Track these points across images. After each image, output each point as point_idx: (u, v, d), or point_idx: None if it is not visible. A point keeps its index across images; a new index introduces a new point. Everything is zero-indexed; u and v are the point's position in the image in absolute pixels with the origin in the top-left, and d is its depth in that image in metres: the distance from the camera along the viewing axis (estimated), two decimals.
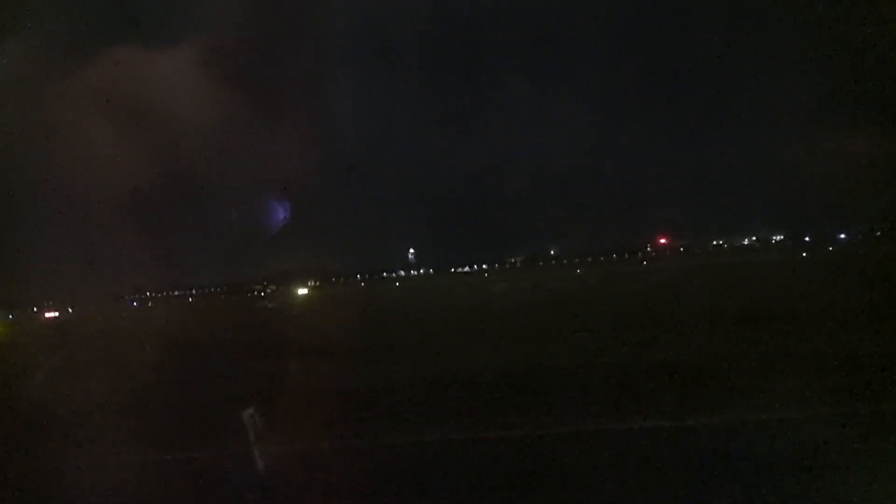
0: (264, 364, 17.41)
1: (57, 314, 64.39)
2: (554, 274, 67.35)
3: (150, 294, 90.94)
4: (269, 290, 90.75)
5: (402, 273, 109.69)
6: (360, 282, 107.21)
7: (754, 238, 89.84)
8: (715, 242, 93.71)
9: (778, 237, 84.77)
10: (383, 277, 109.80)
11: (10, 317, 72.42)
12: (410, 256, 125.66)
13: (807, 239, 73.87)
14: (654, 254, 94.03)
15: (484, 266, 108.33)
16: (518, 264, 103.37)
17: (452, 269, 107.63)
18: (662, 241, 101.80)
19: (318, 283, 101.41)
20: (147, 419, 11.55)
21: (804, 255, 56.12)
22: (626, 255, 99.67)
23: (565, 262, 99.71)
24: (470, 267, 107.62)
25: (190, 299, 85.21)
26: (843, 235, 72.87)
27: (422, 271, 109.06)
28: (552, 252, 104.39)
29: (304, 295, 77.33)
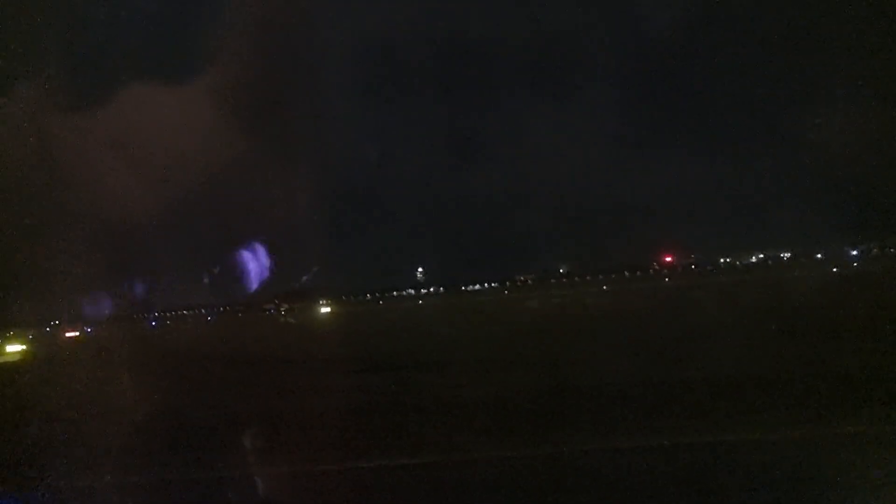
0: (373, 377, 17.43)
1: (77, 333, 64.17)
2: (578, 290, 67.86)
3: (160, 313, 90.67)
4: (284, 309, 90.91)
5: (412, 291, 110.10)
6: (378, 300, 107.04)
7: (762, 255, 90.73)
8: (723, 260, 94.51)
9: (785, 254, 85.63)
10: (393, 296, 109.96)
11: (30, 336, 72.04)
12: (419, 275, 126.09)
13: (819, 255, 74.70)
14: (664, 271, 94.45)
15: (493, 284, 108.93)
16: (528, 282, 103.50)
17: (463, 288, 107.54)
18: (668, 258, 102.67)
19: (328, 302, 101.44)
20: (312, 431, 11.51)
21: (826, 270, 56.92)
22: (638, 273, 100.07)
23: (576, 279, 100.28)
24: (480, 285, 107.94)
25: (209, 318, 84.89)
26: (854, 252, 73.92)
27: (431, 290, 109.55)
28: (561, 270, 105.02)
29: (328, 313, 77.14)
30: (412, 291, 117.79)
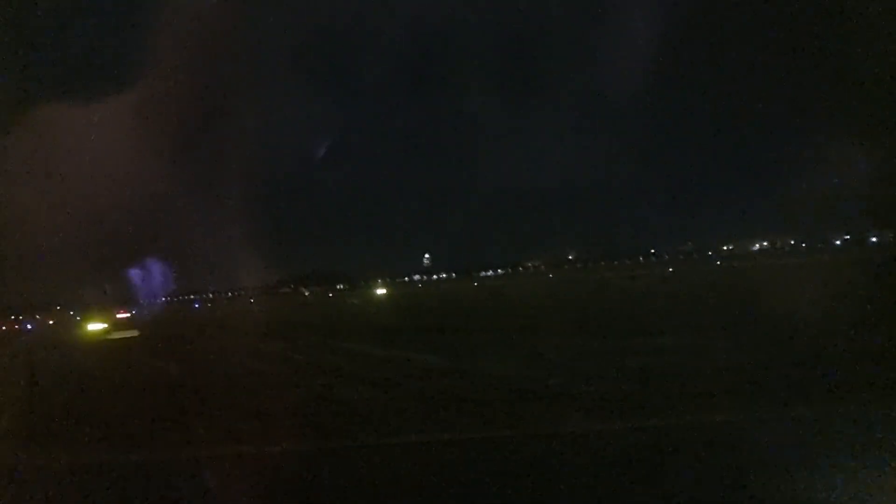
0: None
1: (128, 315, 67.09)
2: (599, 275, 70.81)
3: (199, 295, 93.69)
4: (308, 292, 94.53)
5: (424, 277, 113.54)
6: (416, 283, 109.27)
7: (765, 243, 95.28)
8: (725, 248, 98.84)
9: (789, 242, 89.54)
10: (404, 281, 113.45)
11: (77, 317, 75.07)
12: (426, 261, 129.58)
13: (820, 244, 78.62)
14: (666, 257, 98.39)
15: (500, 271, 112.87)
16: (541, 267, 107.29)
17: (476, 273, 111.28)
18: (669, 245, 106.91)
19: (347, 286, 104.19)
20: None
21: (830, 257, 59.54)
22: (643, 259, 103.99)
23: (579, 265, 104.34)
24: (490, 271, 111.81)
25: (252, 300, 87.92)
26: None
27: (444, 275, 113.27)
28: (570, 256, 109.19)
29: (385, 294, 79.29)
30: (418, 277, 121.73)
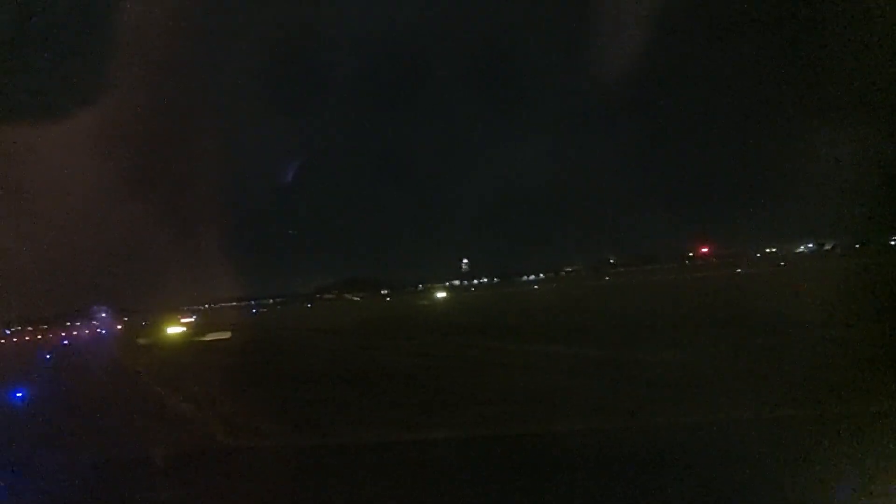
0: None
1: (192, 318, 69.39)
2: (647, 279, 71.27)
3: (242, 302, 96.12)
4: (356, 297, 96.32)
5: (465, 282, 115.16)
6: (467, 288, 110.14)
7: (811, 244, 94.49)
8: (768, 250, 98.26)
9: (829, 244, 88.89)
10: (445, 286, 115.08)
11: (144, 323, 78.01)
12: (464, 266, 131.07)
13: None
14: (703, 262, 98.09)
15: (541, 275, 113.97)
16: (581, 272, 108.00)
17: (516, 278, 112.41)
18: (704, 249, 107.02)
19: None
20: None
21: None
22: (683, 263, 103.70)
23: (621, 269, 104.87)
24: (531, 275, 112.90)
25: (309, 305, 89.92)
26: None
27: (484, 280, 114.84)
28: (611, 260, 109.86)
29: (444, 297, 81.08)
30: (457, 282, 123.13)
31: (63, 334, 74.70)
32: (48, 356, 39.66)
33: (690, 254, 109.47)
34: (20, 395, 18.09)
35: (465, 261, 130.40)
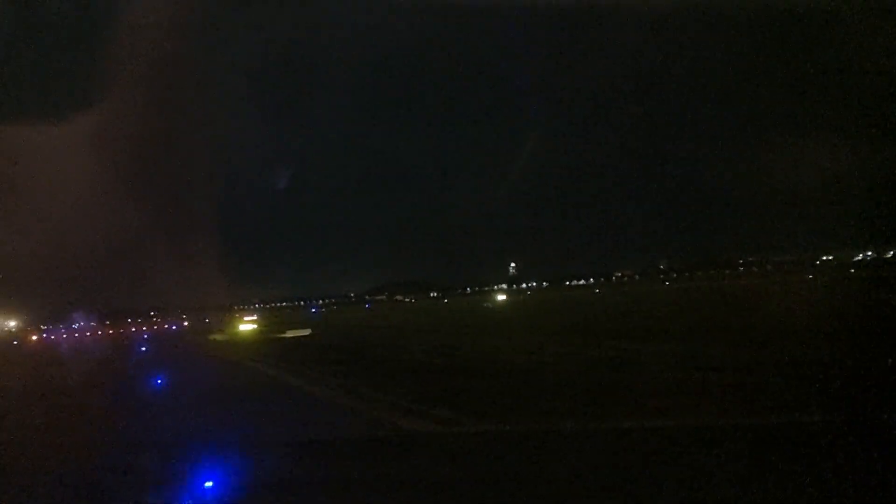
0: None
1: (255, 317, 70.84)
2: (706, 284, 70.25)
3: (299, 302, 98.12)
4: (408, 298, 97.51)
5: (514, 286, 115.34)
6: (527, 291, 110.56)
7: (869, 252, 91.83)
8: (825, 258, 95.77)
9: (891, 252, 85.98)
10: (493, 290, 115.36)
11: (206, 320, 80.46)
12: (511, 270, 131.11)
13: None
14: (769, 268, 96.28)
15: (591, 280, 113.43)
16: (634, 277, 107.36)
17: (567, 283, 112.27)
18: (751, 258, 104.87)
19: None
20: None
21: None
22: (743, 269, 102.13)
23: (674, 275, 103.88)
24: (581, 280, 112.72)
25: (367, 306, 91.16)
26: None
27: (532, 284, 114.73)
28: (661, 266, 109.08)
29: (505, 300, 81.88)
30: (505, 286, 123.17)
31: (145, 328, 77.25)
32: (143, 348, 41.25)
33: (741, 260, 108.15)
34: (162, 381, 19.03)
35: (513, 265, 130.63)
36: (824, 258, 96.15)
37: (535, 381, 14.64)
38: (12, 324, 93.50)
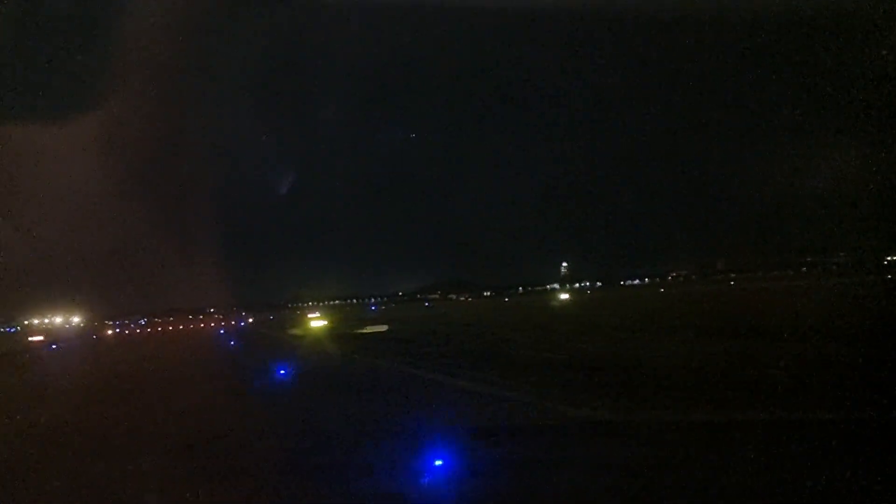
0: None
1: (318, 314, 71.92)
2: (768, 286, 68.44)
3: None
4: (462, 298, 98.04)
5: (567, 285, 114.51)
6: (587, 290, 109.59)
7: None
8: (888, 258, 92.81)
9: None
10: (547, 289, 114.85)
11: (271, 318, 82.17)
12: (563, 270, 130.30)
13: None
14: (835, 267, 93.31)
15: (646, 280, 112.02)
16: (692, 277, 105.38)
17: (622, 282, 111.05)
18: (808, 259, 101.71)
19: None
20: None
21: None
22: (805, 270, 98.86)
23: (733, 275, 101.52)
24: (634, 280, 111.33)
25: (427, 304, 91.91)
26: None
27: (586, 284, 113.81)
28: (718, 266, 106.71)
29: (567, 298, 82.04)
30: (556, 286, 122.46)
31: (222, 323, 79.37)
32: (232, 342, 42.52)
33: (803, 261, 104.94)
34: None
35: (565, 264, 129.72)
36: (889, 258, 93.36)
37: (672, 373, 14.50)
38: (76, 320, 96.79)
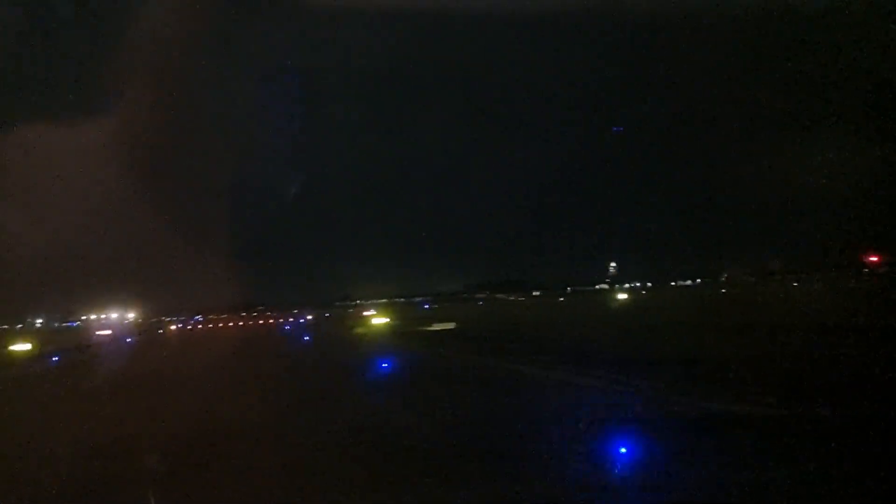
0: None
1: (374, 311, 72.24)
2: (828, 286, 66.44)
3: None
4: (511, 297, 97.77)
5: (616, 286, 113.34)
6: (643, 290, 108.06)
7: None
8: None
9: None
10: (595, 290, 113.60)
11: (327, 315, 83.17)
12: (612, 269, 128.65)
13: None
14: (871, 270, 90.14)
15: (697, 280, 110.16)
16: (750, 278, 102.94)
17: (673, 283, 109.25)
18: (873, 258, 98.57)
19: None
20: None
21: None
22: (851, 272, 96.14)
23: (790, 276, 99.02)
24: (686, 280, 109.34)
25: (480, 303, 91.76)
26: None
27: (636, 284, 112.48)
28: (773, 266, 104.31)
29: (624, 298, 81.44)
30: (605, 286, 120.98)
31: (280, 320, 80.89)
32: (306, 337, 43.38)
33: (859, 261, 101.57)
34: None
35: (613, 264, 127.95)
36: None
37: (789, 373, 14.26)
38: (132, 315, 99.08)
